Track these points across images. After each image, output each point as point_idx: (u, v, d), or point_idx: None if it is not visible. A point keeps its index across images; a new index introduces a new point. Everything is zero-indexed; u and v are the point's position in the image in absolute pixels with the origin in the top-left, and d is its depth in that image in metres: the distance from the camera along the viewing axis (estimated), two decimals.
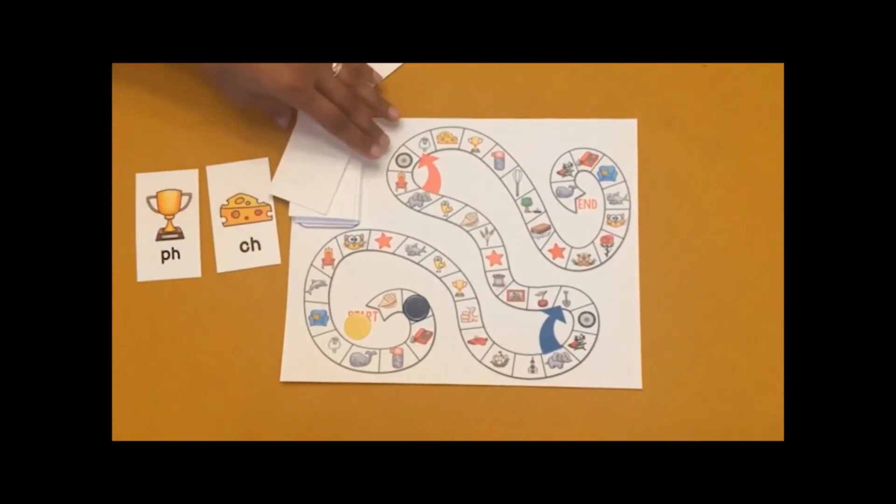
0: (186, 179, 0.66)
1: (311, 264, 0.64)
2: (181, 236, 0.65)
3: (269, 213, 0.65)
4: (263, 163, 0.66)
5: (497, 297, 0.63)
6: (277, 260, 0.64)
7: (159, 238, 0.65)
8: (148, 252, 0.64)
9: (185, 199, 0.65)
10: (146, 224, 0.65)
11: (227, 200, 0.65)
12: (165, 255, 0.64)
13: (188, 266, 0.64)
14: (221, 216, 0.65)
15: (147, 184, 0.66)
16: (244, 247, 0.64)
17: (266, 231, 0.65)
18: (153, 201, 0.65)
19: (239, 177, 0.66)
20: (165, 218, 0.65)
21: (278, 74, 0.58)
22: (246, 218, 0.65)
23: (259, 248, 0.64)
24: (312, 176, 0.64)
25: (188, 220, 0.65)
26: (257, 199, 0.65)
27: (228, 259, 0.64)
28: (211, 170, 0.66)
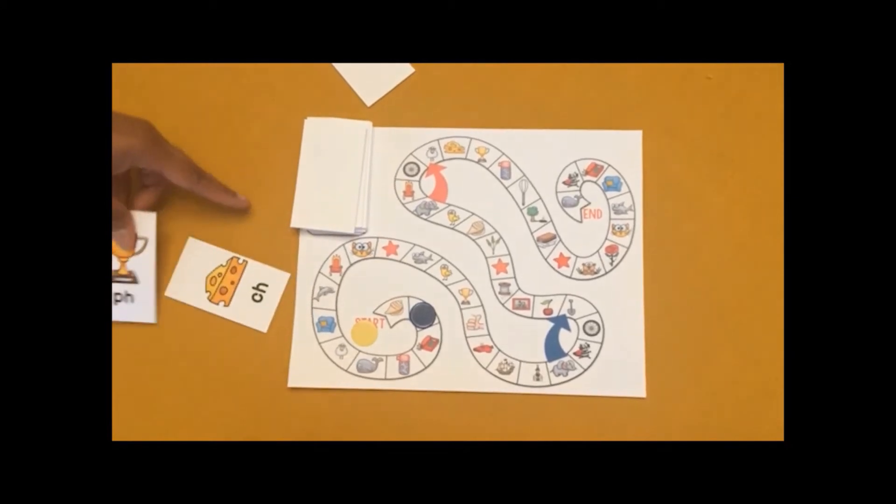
0: (143, 222, 0.63)
1: (319, 271, 0.64)
2: (135, 280, 0.63)
3: (241, 261, 0.64)
4: (194, 243, 0.65)
5: (503, 305, 0.63)
6: (287, 275, 0.64)
7: (112, 280, 0.63)
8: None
9: (140, 242, 0.63)
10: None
11: (207, 290, 0.64)
12: (118, 297, 0.62)
13: (142, 311, 0.63)
14: (216, 303, 0.64)
15: None
16: (256, 297, 0.64)
17: (258, 273, 0.64)
18: None
19: (189, 272, 0.64)
20: (119, 260, 0.63)
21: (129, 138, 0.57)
22: (232, 283, 0.64)
23: (267, 287, 0.64)
24: (329, 199, 0.64)
25: (144, 265, 0.63)
26: (222, 264, 0.64)
27: (256, 316, 0.63)
28: (169, 292, 0.64)
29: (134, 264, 0.63)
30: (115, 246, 0.62)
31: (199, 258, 0.65)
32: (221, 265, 0.64)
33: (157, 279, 0.63)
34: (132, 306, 0.63)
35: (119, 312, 0.63)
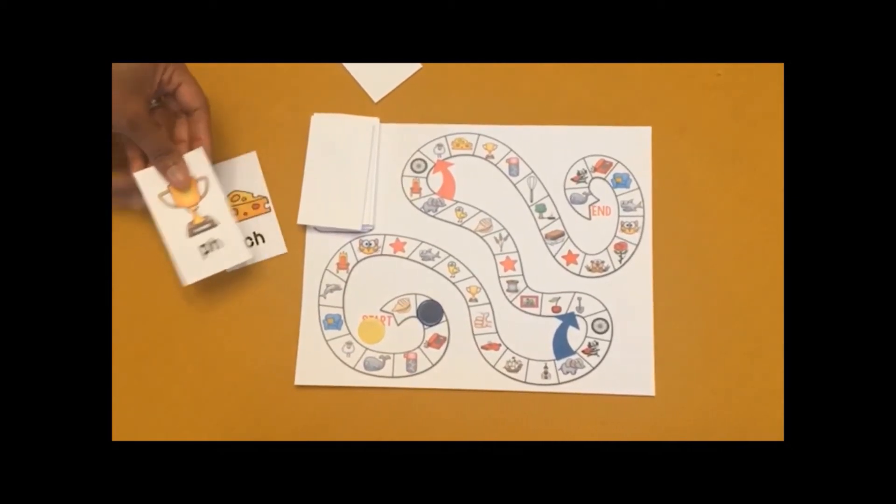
0: (194, 162, 0.61)
1: (326, 268, 0.64)
2: (214, 224, 0.60)
3: (268, 206, 0.65)
4: (252, 157, 0.66)
5: (511, 302, 0.63)
6: (284, 249, 0.64)
7: (192, 234, 0.60)
8: (185, 251, 0.60)
9: (201, 184, 0.61)
10: (171, 222, 0.60)
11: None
12: (205, 249, 0.60)
13: (234, 253, 0.61)
14: None
15: (151, 180, 0.60)
16: (248, 242, 0.64)
17: (268, 223, 0.65)
18: (167, 197, 0.60)
19: (230, 175, 0.65)
20: (189, 211, 0.61)
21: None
22: (245, 214, 0.65)
23: (263, 241, 0.64)
24: (336, 196, 0.64)
25: (215, 205, 0.61)
26: (253, 194, 0.65)
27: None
28: None
29: (206, 208, 0.61)
30: (176, 195, 0.60)
31: (245, 171, 0.65)
32: (252, 193, 0.65)
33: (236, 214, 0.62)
34: (223, 251, 0.60)
35: (213, 263, 0.60)
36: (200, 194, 0.61)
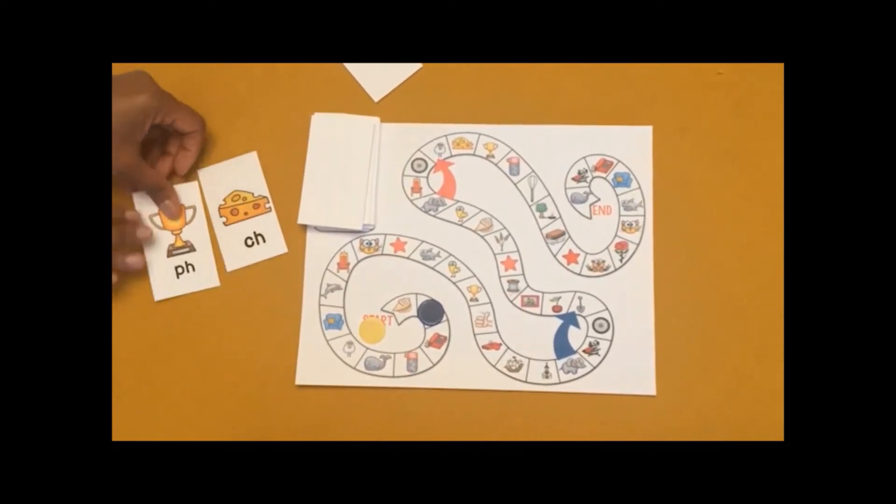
0: (186, 192, 0.66)
1: (327, 268, 0.64)
2: (192, 249, 0.65)
3: (268, 206, 0.65)
4: (252, 157, 0.66)
5: (511, 302, 0.63)
6: (284, 249, 0.64)
7: (170, 254, 0.65)
8: (161, 269, 0.64)
9: (189, 212, 0.65)
10: (154, 242, 0.65)
11: (224, 199, 0.66)
12: (179, 269, 0.64)
13: (205, 277, 0.64)
14: (221, 216, 0.65)
15: (146, 202, 0.65)
16: (249, 242, 0.65)
17: (268, 223, 0.65)
18: (156, 219, 0.65)
19: (231, 175, 0.66)
20: (173, 234, 0.65)
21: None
22: (245, 214, 0.65)
23: (264, 241, 0.65)
24: (336, 196, 0.64)
25: (198, 232, 0.65)
26: (253, 194, 0.65)
27: (235, 257, 0.64)
28: (202, 172, 0.66)
29: (189, 234, 0.65)
30: (164, 220, 0.65)
31: (245, 171, 0.66)
32: (252, 193, 0.66)
33: (213, 244, 0.65)
34: (195, 275, 0.64)
35: (184, 284, 0.64)
36: (187, 220, 0.65)
